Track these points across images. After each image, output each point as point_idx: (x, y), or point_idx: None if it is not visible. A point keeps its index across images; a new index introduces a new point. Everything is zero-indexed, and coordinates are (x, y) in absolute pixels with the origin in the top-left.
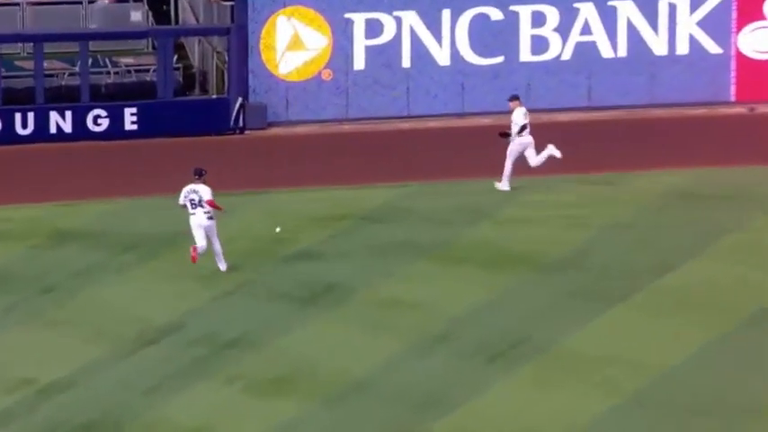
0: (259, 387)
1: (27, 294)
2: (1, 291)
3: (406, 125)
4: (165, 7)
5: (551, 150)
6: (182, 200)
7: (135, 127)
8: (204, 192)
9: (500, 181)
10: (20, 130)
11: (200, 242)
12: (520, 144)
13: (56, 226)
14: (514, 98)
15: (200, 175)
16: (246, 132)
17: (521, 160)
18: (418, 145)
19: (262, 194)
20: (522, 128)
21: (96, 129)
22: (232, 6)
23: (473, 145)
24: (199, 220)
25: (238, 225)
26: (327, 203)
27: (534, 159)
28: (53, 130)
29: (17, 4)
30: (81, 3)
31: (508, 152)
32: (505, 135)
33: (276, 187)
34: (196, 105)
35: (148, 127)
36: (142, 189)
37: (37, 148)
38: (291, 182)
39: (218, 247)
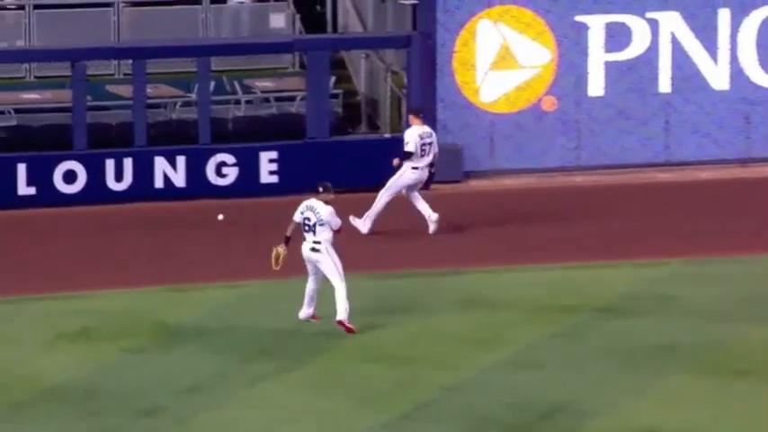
0: None
1: (120, 418)
2: (85, 412)
3: (664, 176)
4: (318, 8)
5: (431, 218)
6: (298, 216)
7: (275, 179)
8: (324, 212)
9: (363, 220)
10: (112, 184)
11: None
12: (409, 178)
13: (160, 320)
14: (414, 112)
15: (324, 190)
16: (433, 186)
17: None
18: (682, 205)
19: (454, 275)
20: (406, 155)
21: (220, 181)
22: (414, 6)
23: (762, 206)
24: (305, 250)
25: (419, 318)
26: (549, 289)
27: (422, 204)
28: (159, 183)
29: (110, 5)
30: (200, 3)
31: (388, 183)
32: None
33: (474, 265)
34: (362, 148)
35: (293, 178)
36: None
37: (135, 210)
38: (497, 258)
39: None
